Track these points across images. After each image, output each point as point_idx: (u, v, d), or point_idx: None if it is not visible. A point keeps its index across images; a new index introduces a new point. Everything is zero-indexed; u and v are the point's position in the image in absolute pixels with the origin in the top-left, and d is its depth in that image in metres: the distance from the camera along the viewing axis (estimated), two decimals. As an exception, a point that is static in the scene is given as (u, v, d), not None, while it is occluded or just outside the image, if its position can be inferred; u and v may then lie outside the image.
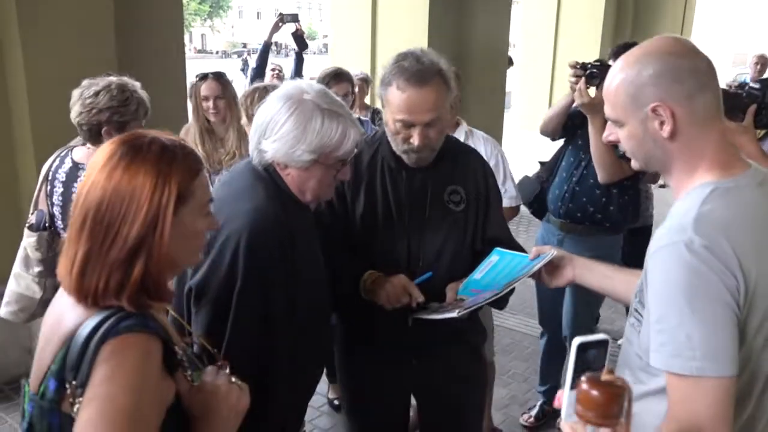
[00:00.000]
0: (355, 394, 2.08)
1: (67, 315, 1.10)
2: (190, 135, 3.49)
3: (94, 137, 2.26)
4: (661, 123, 1.18)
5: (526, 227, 6.17)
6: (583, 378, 0.84)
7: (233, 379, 1.19)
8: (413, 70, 1.73)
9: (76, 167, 2.35)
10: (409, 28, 5.54)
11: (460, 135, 2.81)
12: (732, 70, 14.78)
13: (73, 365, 1.03)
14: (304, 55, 4.77)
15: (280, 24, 4.70)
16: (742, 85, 2.21)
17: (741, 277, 1.10)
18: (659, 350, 1.12)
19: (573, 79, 2.62)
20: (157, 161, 1.10)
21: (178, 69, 4.07)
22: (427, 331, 1.88)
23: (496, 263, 1.80)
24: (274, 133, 1.55)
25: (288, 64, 5.37)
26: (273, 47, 4.75)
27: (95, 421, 0.96)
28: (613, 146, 2.65)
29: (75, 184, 2.32)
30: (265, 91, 2.89)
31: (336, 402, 3.44)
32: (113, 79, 2.27)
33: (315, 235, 1.74)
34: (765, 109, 2.03)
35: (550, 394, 3.32)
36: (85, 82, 2.28)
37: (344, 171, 1.67)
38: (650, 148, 1.23)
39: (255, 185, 1.59)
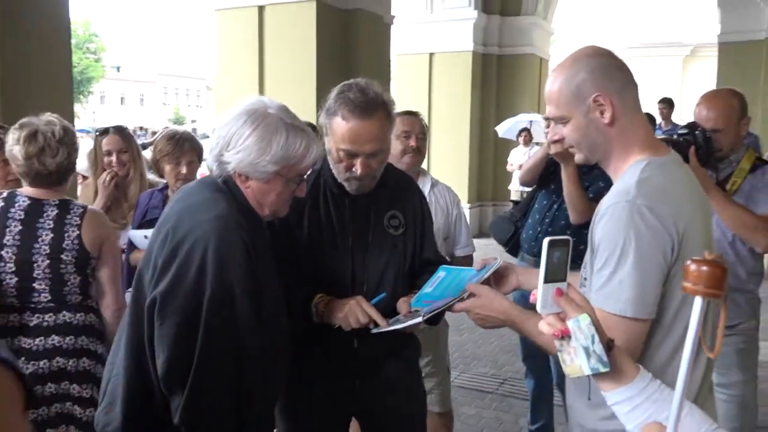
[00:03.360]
0: (298, 428, 2.03)
1: None
2: (89, 190, 3.36)
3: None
4: (602, 112, 1.38)
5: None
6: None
7: None
8: (358, 101, 1.79)
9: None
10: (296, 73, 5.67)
11: (425, 186, 2.90)
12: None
13: None
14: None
15: None
16: (671, 134, 2.57)
17: (675, 234, 1.30)
18: (597, 292, 1.33)
19: (547, 130, 2.88)
20: None
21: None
22: (370, 350, 1.91)
23: (444, 278, 1.88)
24: (238, 145, 1.57)
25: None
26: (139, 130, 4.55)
27: None
28: (584, 189, 2.90)
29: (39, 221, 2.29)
30: (182, 138, 2.91)
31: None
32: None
33: (270, 250, 1.75)
34: (700, 149, 2.39)
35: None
36: None
37: (302, 187, 1.72)
38: (594, 137, 1.42)
39: (215, 197, 1.59)
